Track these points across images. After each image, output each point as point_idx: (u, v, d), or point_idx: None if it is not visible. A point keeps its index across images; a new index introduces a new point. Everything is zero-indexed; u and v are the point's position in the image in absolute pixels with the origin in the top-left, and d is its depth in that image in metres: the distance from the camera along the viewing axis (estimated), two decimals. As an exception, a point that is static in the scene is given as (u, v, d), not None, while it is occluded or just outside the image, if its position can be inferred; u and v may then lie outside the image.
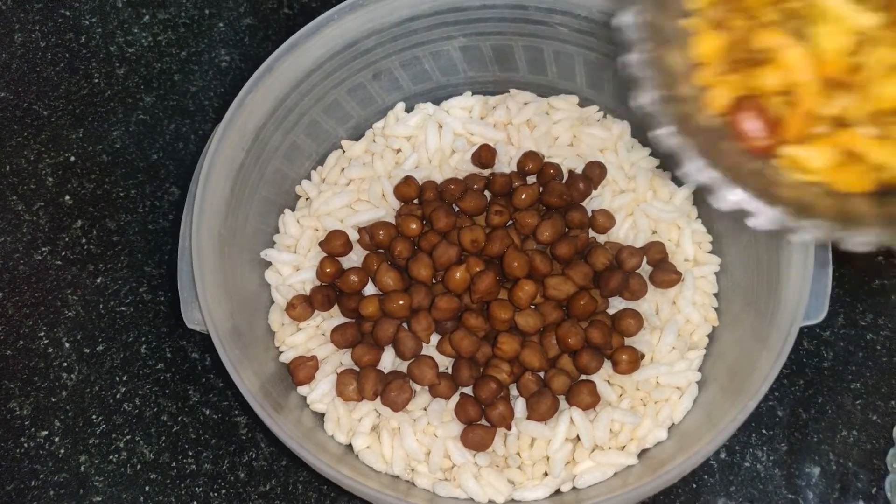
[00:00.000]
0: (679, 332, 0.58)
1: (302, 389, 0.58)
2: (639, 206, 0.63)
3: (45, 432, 0.63)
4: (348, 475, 0.47)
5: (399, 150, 0.65)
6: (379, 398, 0.55)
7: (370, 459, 0.55)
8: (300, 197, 0.65)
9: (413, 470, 0.54)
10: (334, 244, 0.59)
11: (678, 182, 0.65)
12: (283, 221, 0.63)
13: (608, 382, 0.56)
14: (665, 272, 0.59)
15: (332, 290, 0.59)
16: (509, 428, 0.54)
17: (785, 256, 0.52)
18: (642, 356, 0.56)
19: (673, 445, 0.54)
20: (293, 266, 0.61)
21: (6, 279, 0.69)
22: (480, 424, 0.54)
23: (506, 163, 0.64)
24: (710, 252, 0.62)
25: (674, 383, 0.56)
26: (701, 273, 0.60)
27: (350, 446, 0.56)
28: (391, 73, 0.65)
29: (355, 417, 0.56)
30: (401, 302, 0.55)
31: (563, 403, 0.55)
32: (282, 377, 0.58)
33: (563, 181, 0.63)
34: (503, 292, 0.57)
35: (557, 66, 0.66)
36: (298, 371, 0.56)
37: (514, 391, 0.56)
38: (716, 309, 0.60)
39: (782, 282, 0.52)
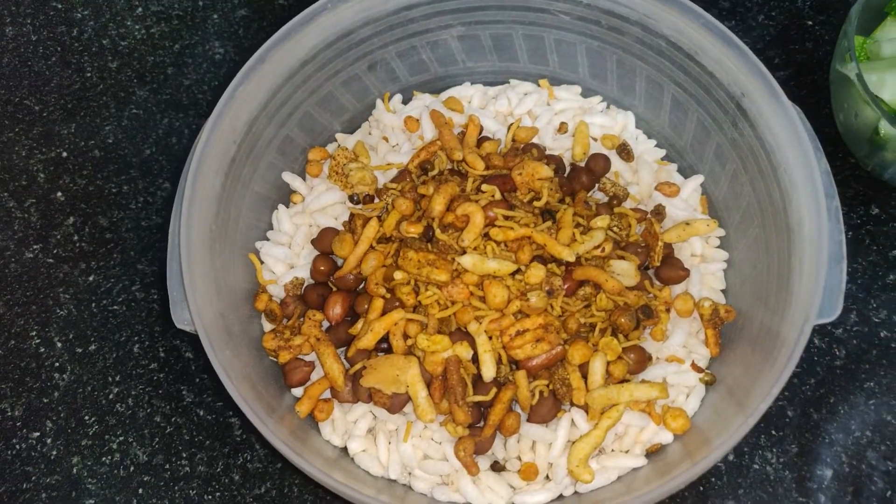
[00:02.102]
0: (687, 330, 0.56)
1: (296, 391, 0.56)
2: (644, 199, 0.61)
3: (37, 434, 0.62)
4: (342, 481, 0.46)
5: (396, 146, 0.63)
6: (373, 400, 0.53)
7: (366, 463, 0.53)
8: (294, 192, 0.64)
9: (410, 474, 0.53)
10: (327, 242, 0.57)
11: (684, 174, 0.63)
12: (277, 217, 0.61)
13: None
14: (672, 268, 0.57)
15: (326, 288, 0.58)
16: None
17: (797, 251, 0.50)
18: (650, 357, 0.54)
19: (680, 447, 0.53)
20: (287, 264, 0.59)
21: (-3, 277, 0.68)
22: (480, 427, 0.52)
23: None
24: (717, 247, 0.60)
25: (682, 383, 0.54)
26: (708, 269, 0.58)
27: (346, 449, 0.54)
28: (388, 63, 0.63)
29: (350, 419, 0.54)
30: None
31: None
32: (275, 377, 0.56)
33: (566, 174, 0.61)
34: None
35: (559, 56, 0.64)
36: (293, 373, 0.55)
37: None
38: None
39: (794, 278, 0.50)
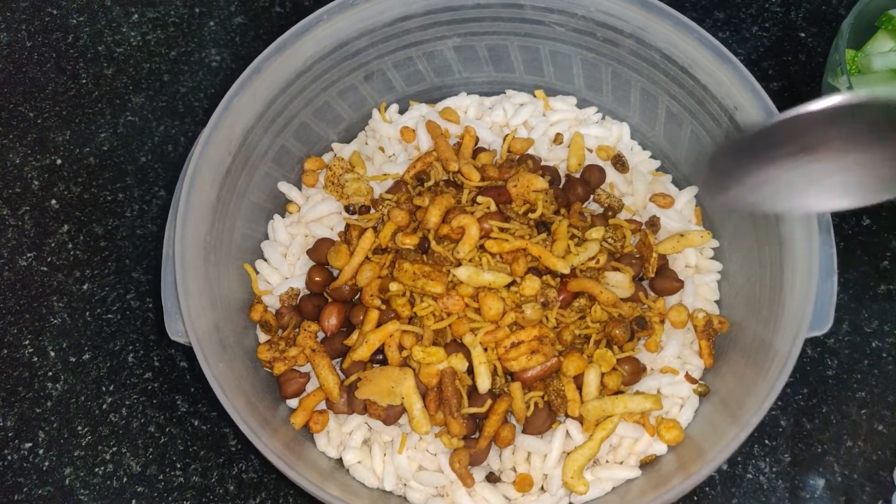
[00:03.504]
0: (681, 341, 0.56)
1: (291, 403, 0.56)
2: (639, 211, 0.61)
3: (30, 444, 0.62)
4: (336, 494, 0.46)
5: (392, 156, 0.63)
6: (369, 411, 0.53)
7: (361, 475, 0.53)
8: (290, 202, 0.64)
9: (405, 485, 0.53)
10: (323, 252, 0.57)
11: (678, 185, 0.63)
12: (273, 227, 0.61)
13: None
14: (666, 279, 0.57)
15: (321, 298, 0.58)
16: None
17: (789, 263, 0.50)
18: (644, 368, 0.55)
19: (674, 458, 0.53)
20: (282, 275, 0.59)
21: (-10, 286, 0.67)
22: (475, 439, 0.52)
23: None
24: (711, 258, 0.60)
25: (676, 394, 0.55)
26: (702, 280, 0.59)
27: (341, 460, 0.54)
28: (384, 74, 0.64)
29: (346, 431, 0.54)
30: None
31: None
32: (270, 389, 0.56)
33: (561, 185, 0.61)
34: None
35: (554, 67, 0.64)
36: (288, 385, 0.55)
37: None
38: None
39: (786, 290, 0.50)
